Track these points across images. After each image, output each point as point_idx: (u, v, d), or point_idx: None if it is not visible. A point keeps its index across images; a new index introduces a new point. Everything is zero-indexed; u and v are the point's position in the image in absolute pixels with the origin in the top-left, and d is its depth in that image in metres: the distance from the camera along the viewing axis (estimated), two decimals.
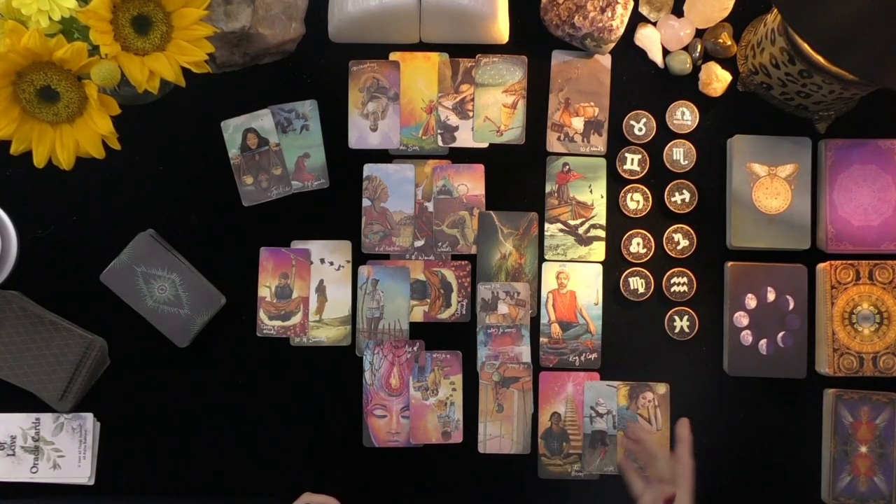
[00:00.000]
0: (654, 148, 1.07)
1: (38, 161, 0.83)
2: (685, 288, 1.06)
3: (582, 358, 1.06)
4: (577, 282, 1.06)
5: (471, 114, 1.07)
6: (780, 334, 1.04)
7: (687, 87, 1.08)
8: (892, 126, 1.07)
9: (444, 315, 1.06)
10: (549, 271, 1.07)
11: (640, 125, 1.07)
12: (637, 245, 1.07)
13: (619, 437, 1.03)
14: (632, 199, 1.07)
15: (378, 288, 1.06)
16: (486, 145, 1.07)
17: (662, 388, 1.05)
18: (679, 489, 0.90)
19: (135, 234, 1.04)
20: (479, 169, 1.07)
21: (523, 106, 1.07)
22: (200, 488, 1.02)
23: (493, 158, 1.07)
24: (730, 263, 1.06)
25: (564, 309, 1.06)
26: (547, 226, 1.07)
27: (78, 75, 0.81)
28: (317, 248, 1.07)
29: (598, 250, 1.07)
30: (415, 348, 1.05)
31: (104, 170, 1.00)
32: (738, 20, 1.07)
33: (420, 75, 1.07)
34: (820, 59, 0.91)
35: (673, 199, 1.07)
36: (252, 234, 1.06)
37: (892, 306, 1.03)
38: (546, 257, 1.07)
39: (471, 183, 1.07)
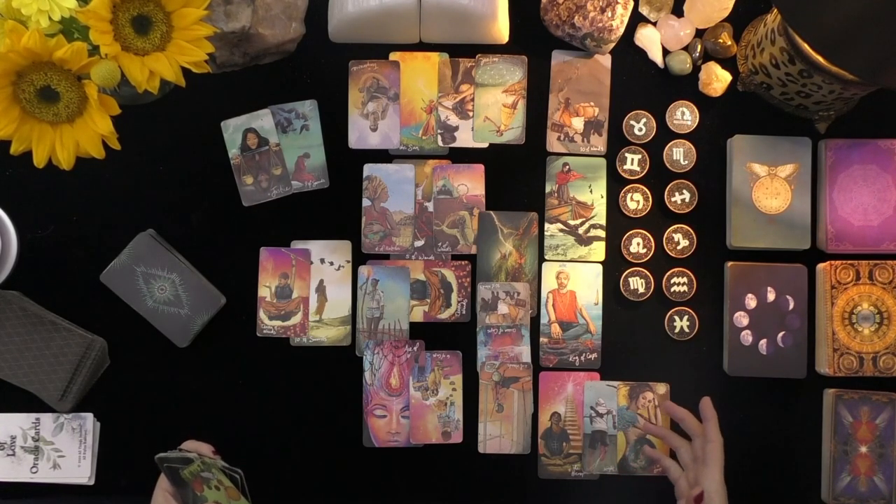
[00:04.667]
0: (654, 148, 1.07)
1: (38, 161, 0.83)
2: (685, 288, 1.06)
3: (582, 358, 1.06)
4: (577, 282, 1.06)
5: (471, 114, 1.07)
6: (780, 334, 1.04)
7: (687, 87, 1.08)
8: (892, 126, 1.07)
9: (444, 315, 1.06)
10: (549, 271, 1.07)
11: (640, 125, 1.07)
12: (637, 245, 1.07)
13: (643, 424, 1.03)
14: (632, 199, 1.07)
15: (378, 288, 1.06)
16: (486, 145, 1.07)
17: (662, 388, 1.05)
18: (708, 467, 0.92)
19: (135, 234, 1.04)
20: (479, 169, 1.07)
21: (523, 106, 1.07)
22: None
23: (493, 158, 1.07)
24: (730, 263, 1.06)
25: (564, 309, 1.06)
26: (547, 226, 1.07)
27: (78, 75, 0.81)
28: (317, 248, 1.07)
29: (598, 250, 1.07)
30: (415, 348, 1.05)
31: (104, 170, 1.00)
32: (738, 20, 1.07)
33: (420, 75, 1.07)
34: (820, 59, 0.91)
35: (673, 199, 1.07)
36: (252, 234, 1.07)
37: (892, 306, 1.03)
38: (546, 257, 1.07)
39: (471, 183, 1.07)
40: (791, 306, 1.05)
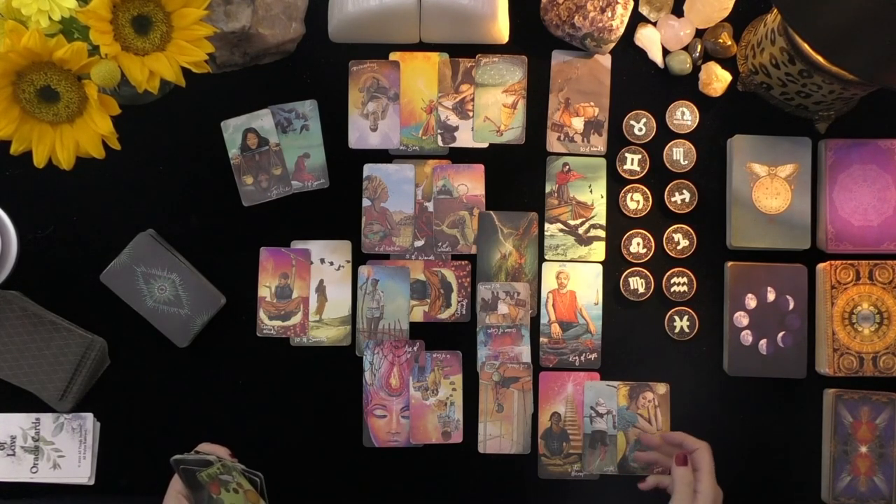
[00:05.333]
0: (654, 148, 1.07)
1: (38, 161, 0.83)
2: (685, 288, 1.06)
3: (582, 358, 1.06)
4: (577, 282, 1.06)
5: (471, 114, 1.07)
6: (780, 334, 1.04)
7: (687, 87, 1.08)
8: (892, 126, 1.07)
9: (444, 315, 1.06)
10: (549, 271, 1.07)
11: (640, 125, 1.07)
12: (637, 245, 1.07)
13: (637, 456, 1.03)
14: (632, 199, 1.07)
15: (378, 288, 1.06)
16: (486, 145, 1.07)
17: (662, 388, 1.05)
18: (700, 472, 0.90)
19: (135, 234, 1.04)
20: (479, 169, 1.07)
21: (523, 106, 1.07)
22: None
23: (493, 158, 1.07)
24: (730, 263, 1.06)
25: (564, 309, 1.06)
26: (547, 226, 1.07)
27: (78, 75, 0.81)
28: (317, 248, 1.07)
29: (598, 250, 1.07)
30: (415, 348, 1.05)
31: (104, 170, 1.00)
32: (738, 20, 1.07)
33: (420, 75, 1.07)
34: (820, 59, 0.91)
35: (673, 199, 1.07)
36: (252, 234, 1.07)
37: (892, 306, 1.03)
38: (546, 257, 1.07)
39: (471, 183, 1.07)
40: (791, 306, 1.04)
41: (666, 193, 1.07)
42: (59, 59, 0.78)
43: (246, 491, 0.88)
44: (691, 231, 1.07)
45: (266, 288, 1.06)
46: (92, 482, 1.05)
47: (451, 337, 1.06)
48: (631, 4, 1.05)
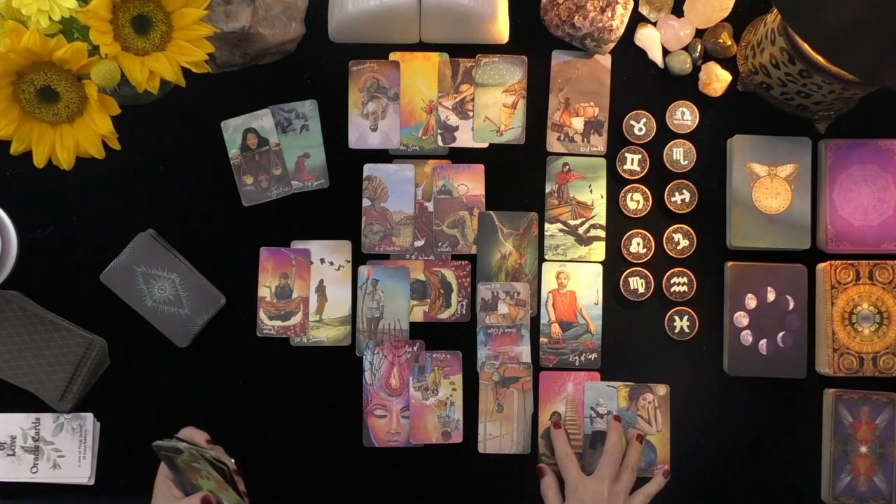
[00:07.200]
0: (654, 148, 1.07)
1: (38, 161, 0.83)
2: (685, 288, 1.06)
3: (582, 358, 1.06)
4: (577, 282, 1.06)
5: (471, 114, 1.07)
6: (780, 334, 1.04)
7: (687, 87, 1.08)
8: (892, 126, 1.07)
9: (444, 315, 1.06)
10: (549, 271, 1.07)
11: (640, 125, 1.07)
12: (637, 245, 1.07)
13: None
14: (632, 199, 1.07)
15: (378, 288, 1.06)
16: (486, 145, 1.07)
17: (662, 390, 1.05)
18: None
19: (135, 234, 1.04)
20: (479, 169, 1.07)
21: (523, 106, 1.07)
22: None
23: (493, 158, 1.07)
24: (730, 263, 1.06)
25: (564, 309, 1.06)
26: (547, 226, 1.07)
27: (78, 75, 0.81)
28: (317, 248, 1.07)
29: (598, 250, 1.07)
30: (415, 348, 1.05)
31: (104, 170, 1.00)
32: (738, 20, 1.07)
33: (420, 75, 1.07)
34: (820, 59, 0.91)
35: (673, 199, 1.07)
36: (252, 234, 1.07)
37: (892, 306, 1.03)
38: (546, 257, 1.07)
39: (471, 183, 1.07)
40: (791, 306, 1.04)
41: (666, 193, 1.07)
42: (59, 59, 0.78)
43: (215, 479, 0.88)
44: (691, 231, 1.07)
45: (266, 288, 1.06)
46: (92, 482, 1.05)
47: (451, 337, 1.06)
48: (631, 4, 1.05)
